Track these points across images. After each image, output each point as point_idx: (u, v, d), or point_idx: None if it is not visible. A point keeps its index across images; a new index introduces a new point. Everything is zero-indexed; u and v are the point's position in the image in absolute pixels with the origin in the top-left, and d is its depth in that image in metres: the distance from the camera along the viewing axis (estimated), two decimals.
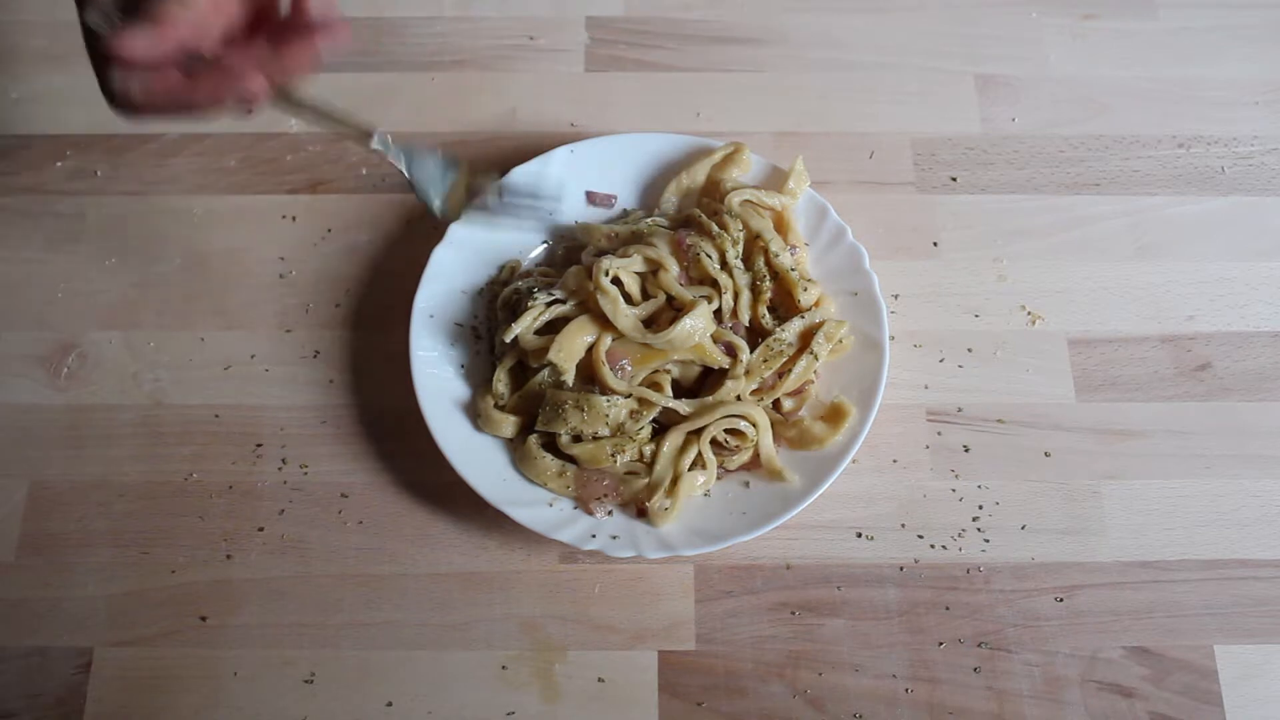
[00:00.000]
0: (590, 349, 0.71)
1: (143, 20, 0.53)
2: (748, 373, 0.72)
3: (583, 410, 0.70)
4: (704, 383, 0.74)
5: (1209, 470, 0.76)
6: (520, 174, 0.79)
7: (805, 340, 0.73)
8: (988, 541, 0.74)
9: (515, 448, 0.74)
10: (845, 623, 0.71)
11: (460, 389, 0.75)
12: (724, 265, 0.74)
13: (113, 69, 0.54)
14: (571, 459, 0.72)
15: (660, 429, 0.73)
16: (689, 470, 0.71)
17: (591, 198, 0.82)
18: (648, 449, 0.72)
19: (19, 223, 0.84)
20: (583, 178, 0.81)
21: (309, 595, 0.72)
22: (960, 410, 0.78)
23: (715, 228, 0.75)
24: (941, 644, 0.71)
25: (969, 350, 0.80)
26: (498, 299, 0.77)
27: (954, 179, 0.86)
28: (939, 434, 0.77)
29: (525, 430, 0.73)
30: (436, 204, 0.73)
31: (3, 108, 0.88)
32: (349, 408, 0.78)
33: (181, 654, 0.71)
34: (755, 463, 0.72)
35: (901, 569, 0.73)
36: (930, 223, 0.84)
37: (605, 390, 0.71)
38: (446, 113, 0.89)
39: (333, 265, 0.83)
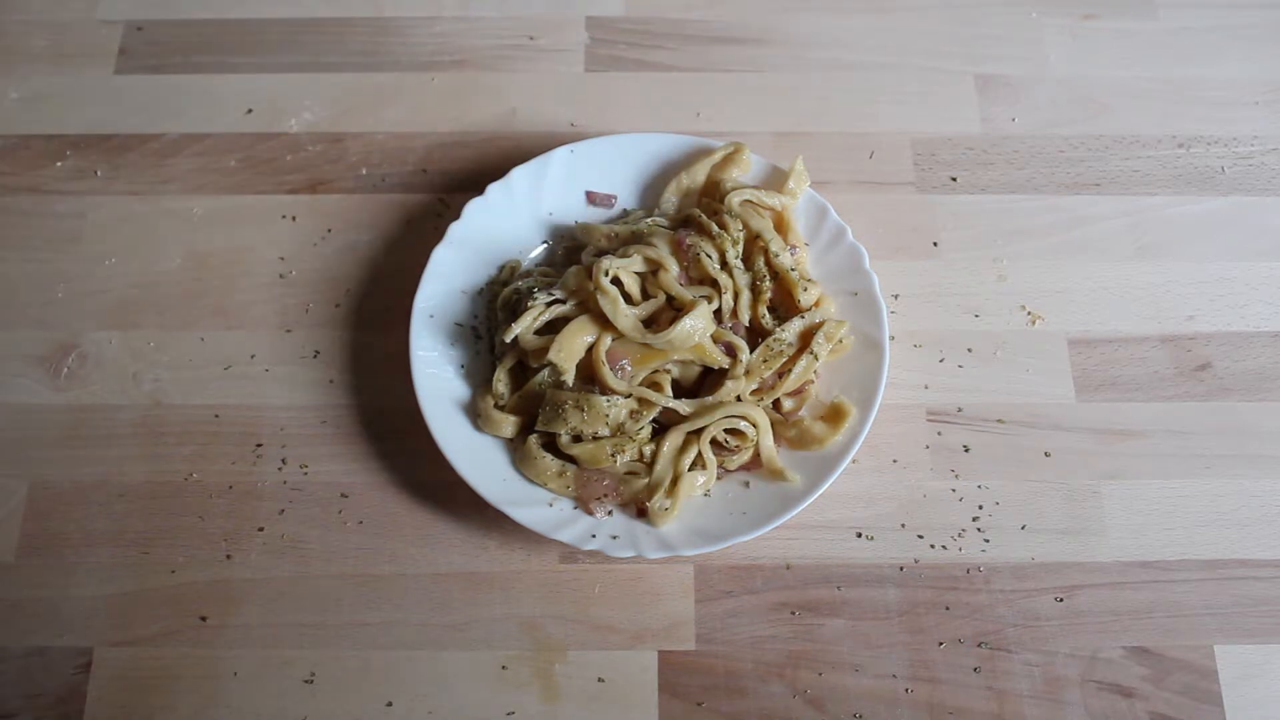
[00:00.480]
0: (590, 349, 0.71)
1: None
2: (748, 373, 0.72)
3: (583, 410, 0.70)
4: (704, 383, 0.74)
5: (1209, 470, 0.76)
6: (520, 173, 0.79)
7: (805, 340, 0.73)
8: (988, 541, 0.74)
9: (515, 448, 0.74)
10: (845, 623, 0.71)
11: (460, 389, 0.75)
12: (724, 265, 0.74)
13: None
14: (571, 459, 0.72)
15: (660, 429, 0.73)
16: (689, 470, 0.71)
17: (591, 198, 0.82)
18: (648, 449, 0.72)
19: (19, 223, 0.84)
20: (583, 178, 0.81)
21: (309, 595, 0.72)
22: (960, 410, 0.78)
23: (715, 228, 0.74)
24: (941, 644, 0.71)
25: (969, 350, 0.80)
26: (498, 299, 0.77)
27: (954, 179, 0.86)
28: (939, 434, 0.77)
29: (525, 430, 0.73)
30: None
31: (3, 108, 0.88)
32: (349, 408, 0.78)
33: (181, 654, 0.71)
34: (755, 463, 0.72)
35: (901, 569, 0.73)
36: (930, 223, 0.84)
37: (605, 390, 0.71)
38: (446, 113, 0.89)
39: (332, 265, 0.83)
